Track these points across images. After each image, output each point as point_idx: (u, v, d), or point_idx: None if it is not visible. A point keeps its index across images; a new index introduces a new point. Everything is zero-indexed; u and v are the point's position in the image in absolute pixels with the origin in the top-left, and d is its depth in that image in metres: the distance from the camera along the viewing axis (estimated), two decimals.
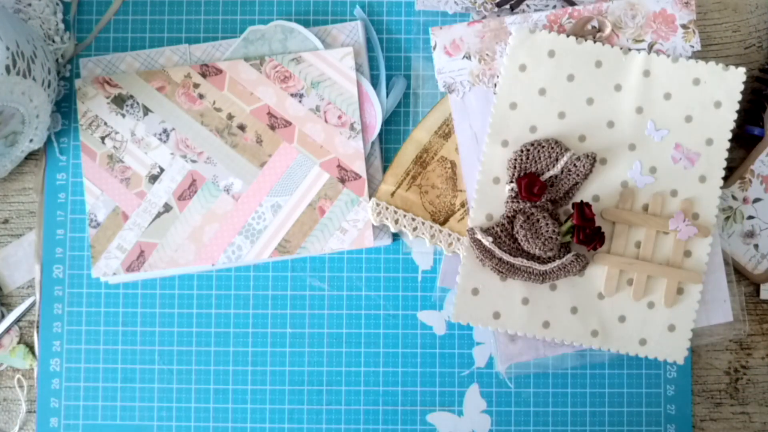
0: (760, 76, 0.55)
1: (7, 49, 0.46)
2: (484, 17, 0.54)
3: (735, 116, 0.52)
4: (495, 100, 0.53)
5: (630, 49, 0.52)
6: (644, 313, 0.52)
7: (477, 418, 0.55)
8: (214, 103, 0.55)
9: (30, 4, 0.55)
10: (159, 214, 0.55)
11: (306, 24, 0.55)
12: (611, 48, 0.52)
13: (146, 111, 0.55)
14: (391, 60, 0.56)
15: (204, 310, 0.56)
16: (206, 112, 0.55)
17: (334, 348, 0.56)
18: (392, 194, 0.54)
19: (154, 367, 0.56)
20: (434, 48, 0.53)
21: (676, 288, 0.52)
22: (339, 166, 0.55)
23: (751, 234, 0.53)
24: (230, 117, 0.55)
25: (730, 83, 0.52)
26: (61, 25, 0.56)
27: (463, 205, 0.54)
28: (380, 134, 0.55)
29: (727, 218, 0.53)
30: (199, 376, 0.56)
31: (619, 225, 0.52)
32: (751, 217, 0.53)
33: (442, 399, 0.55)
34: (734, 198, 0.53)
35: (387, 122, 0.56)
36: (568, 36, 0.52)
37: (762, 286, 0.55)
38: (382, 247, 0.56)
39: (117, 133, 0.55)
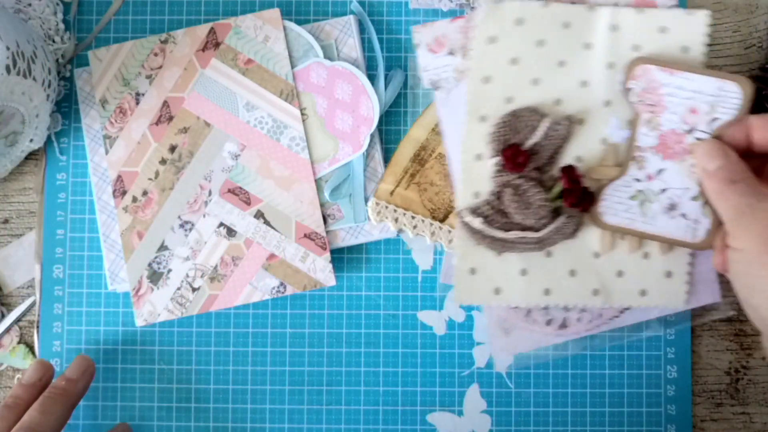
0: (760, 76, 0.55)
1: (7, 49, 0.46)
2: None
3: (703, 59, 0.51)
4: (468, 76, 0.52)
5: (595, 6, 0.52)
6: (641, 265, 0.52)
7: (477, 418, 0.55)
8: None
9: (30, 4, 0.55)
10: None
11: (307, 23, 0.55)
12: (577, 7, 0.52)
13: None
14: (390, 60, 0.56)
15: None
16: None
17: (334, 348, 0.56)
18: (391, 193, 0.54)
19: (154, 367, 0.56)
20: (418, 46, 0.53)
21: None
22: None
23: (673, 206, 0.52)
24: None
25: (694, 27, 0.51)
26: (61, 25, 0.56)
27: None
28: (380, 134, 0.55)
29: (642, 203, 0.52)
30: (198, 376, 0.56)
31: (605, 182, 0.51)
32: (663, 190, 0.52)
33: (442, 399, 0.55)
34: (638, 180, 0.52)
35: (386, 122, 0.56)
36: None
37: None
38: (383, 246, 0.56)
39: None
